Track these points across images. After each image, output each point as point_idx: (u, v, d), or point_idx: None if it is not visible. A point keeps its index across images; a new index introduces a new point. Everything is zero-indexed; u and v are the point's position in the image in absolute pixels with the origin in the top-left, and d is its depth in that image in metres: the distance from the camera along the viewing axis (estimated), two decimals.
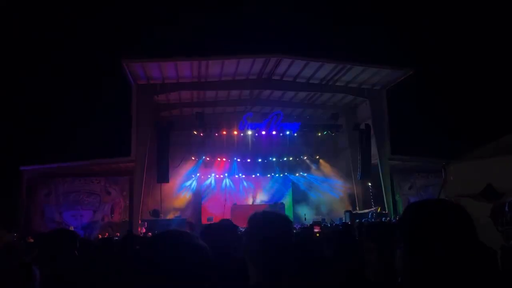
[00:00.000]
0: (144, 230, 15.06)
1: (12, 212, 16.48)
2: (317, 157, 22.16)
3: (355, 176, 20.43)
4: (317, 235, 4.71)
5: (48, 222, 17.24)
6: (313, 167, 22.21)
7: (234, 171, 21.54)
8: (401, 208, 20.30)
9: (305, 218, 19.32)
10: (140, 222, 16.24)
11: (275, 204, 20.86)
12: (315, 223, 11.02)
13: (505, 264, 2.49)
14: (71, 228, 15.14)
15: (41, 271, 1.80)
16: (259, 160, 21.36)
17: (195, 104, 20.46)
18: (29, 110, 21.40)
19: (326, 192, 21.60)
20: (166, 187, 18.46)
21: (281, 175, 22.23)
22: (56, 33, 23.96)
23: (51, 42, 23.51)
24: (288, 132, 20.00)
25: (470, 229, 0.97)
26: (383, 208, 18.85)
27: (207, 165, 20.98)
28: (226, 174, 21.58)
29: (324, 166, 22.00)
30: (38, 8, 22.85)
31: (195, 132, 19.25)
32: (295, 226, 11.85)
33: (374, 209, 18.63)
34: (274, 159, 21.61)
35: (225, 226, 2.40)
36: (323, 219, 17.44)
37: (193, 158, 20.35)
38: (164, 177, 17.71)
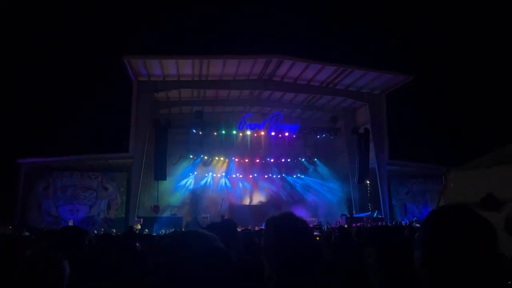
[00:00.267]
0: (139, 227, 15.03)
1: (8, 205, 16.42)
2: (315, 159, 22.18)
3: (352, 180, 20.45)
4: (317, 238, 4.71)
5: (45, 215, 17.18)
6: (311, 169, 22.23)
7: (231, 171, 21.52)
8: (397, 213, 20.38)
9: None
10: (136, 218, 16.19)
11: (271, 205, 20.89)
12: (315, 227, 11.03)
13: None
14: (70, 223, 15.12)
15: None
16: (257, 160, 21.35)
17: (194, 103, 20.44)
18: (29, 104, 21.32)
19: (323, 194, 21.62)
20: (163, 184, 18.42)
21: (279, 176, 22.21)
22: (57, 30, 23.91)
23: (53, 38, 23.45)
24: (286, 134, 20.02)
25: (494, 239, 0.98)
26: (379, 213, 18.90)
27: (205, 164, 20.95)
28: (223, 174, 21.55)
29: (322, 168, 22.02)
30: (40, 5, 22.77)
31: (194, 131, 19.22)
32: None
33: (371, 213, 18.67)
34: (272, 160, 21.61)
35: (227, 225, 2.42)
36: (320, 222, 17.46)
37: (191, 156, 20.32)
38: (161, 175, 17.66)
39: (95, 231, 14.19)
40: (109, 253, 3.01)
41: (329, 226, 15.33)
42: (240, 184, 21.85)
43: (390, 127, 19.97)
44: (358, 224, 15.05)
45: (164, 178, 17.83)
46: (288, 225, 1.51)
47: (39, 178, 17.64)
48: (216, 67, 17.61)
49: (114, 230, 13.91)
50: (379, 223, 15.43)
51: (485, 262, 0.94)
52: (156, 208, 17.54)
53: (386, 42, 26.50)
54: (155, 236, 6.46)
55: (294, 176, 22.49)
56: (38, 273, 1.70)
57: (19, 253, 2.71)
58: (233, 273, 1.09)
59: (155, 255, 1.13)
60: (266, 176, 22.05)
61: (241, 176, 21.74)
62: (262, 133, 19.71)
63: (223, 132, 19.59)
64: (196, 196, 20.50)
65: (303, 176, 22.43)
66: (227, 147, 20.26)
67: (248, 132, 19.61)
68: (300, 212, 20.67)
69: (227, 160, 21.28)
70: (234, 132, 19.54)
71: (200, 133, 19.35)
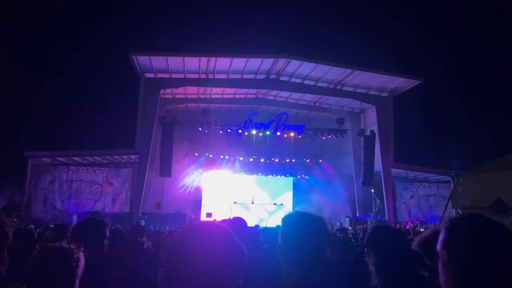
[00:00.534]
0: (143, 223, 15.07)
1: (14, 198, 16.56)
2: (320, 160, 22.13)
3: (357, 182, 20.39)
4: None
5: (50, 209, 17.31)
6: (316, 170, 22.18)
7: (236, 170, 21.52)
8: (401, 216, 20.31)
9: None
10: (140, 214, 16.26)
11: (275, 204, 20.89)
12: None
13: None
14: (74, 217, 15.21)
15: None
16: (262, 160, 21.34)
17: (201, 100, 20.47)
18: (37, 99, 21.48)
19: (327, 195, 21.55)
20: (167, 181, 18.48)
21: (283, 176, 22.19)
22: (66, 27, 24.05)
23: (62, 35, 23.60)
24: (292, 134, 19.99)
25: None
26: (383, 215, 18.84)
27: (210, 162, 20.97)
28: (228, 172, 21.54)
29: (327, 169, 21.96)
30: (50, 3, 22.94)
31: (199, 128, 19.26)
32: None
33: (374, 216, 18.61)
34: (276, 160, 21.59)
35: (238, 223, 2.43)
36: None
37: (196, 154, 20.36)
38: (166, 171, 17.73)
39: None
40: (118, 247, 3.03)
41: (332, 228, 15.28)
42: (245, 183, 21.82)
43: (396, 130, 19.91)
44: (362, 226, 15.00)
45: (169, 175, 17.90)
46: (306, 223, 1.50)
47: (45, 172, 17.77)
48: (223, 65, 17.64)
49: (119, 225, 13.96)
50: None
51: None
52: (158, 205, 17.59)
53: (395, 45, 26.40)
54: (163, 232, 6.47)
55: (299, 177, 22.45)
56: (49, 264, 1.72)
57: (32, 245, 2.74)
58: (241, 262, 1.11)
59: (170, 246, 1.13)
60: (270, 176, 22.04)
61: (245, 175, 21.73)
62: (268, 132, 19.70)
63: (229, 130, 19.60)
64: (199, 194, 20.54)
65: (307, 177, 22.39)
66: (232, 145, 20.28)
67: (254, 131, 19.61)
68: None
69: (231, 158, 21.29)
70: (240, 131, 19.55)
71: (206, 131, 19.37)
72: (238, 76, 18.94)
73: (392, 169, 19.68)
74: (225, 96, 20.71)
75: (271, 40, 27.55)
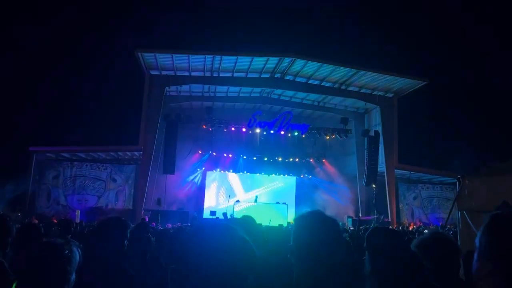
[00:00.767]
0: (147, 219, 15.11)
1: (18, 192, 16.64)
2: (324, 160, 22.10)
3: (360, 182, 20.35)
4: None
5: (53, 204, 17.40)
6: (319, 169, 22.16)
7: (239, 168, 21.53)
8: (404, 218, 20.26)
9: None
10: (143, 211, 16.30)
11: (277, 204, 20.87)
12: None
13: None
14: (77, 213, 15.29)
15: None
16: (265, 158, 21.33)
17: (205, 98, 20.49)
18: (43, 93, 21.58)
19: (330, 195, 21.53)
20: (171, 178, 18.52)
21: (286, 175, 22.17)
22: (71, 23, 24.12)
23: (67, 31, 23.67)
24: (296, 133, 19.97)
25: None
26: (385, 216, 18.80)
27: (213, 160, 20.98)
28: (231, 170, 21.57)
29: (330, 169, 21.93)
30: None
31: (203, 126, 19.27)
32: None
33: (377, 217, 18.56)
34: (280, 159, 21.58)
35: (247, 222, 2.42)
36: None
37: (199, 151, 20.38)
38: (170, 169, 17.77)
39: None
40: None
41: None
42: (248, 181, 21.84)
43: (401, 131, 19.85)
44: (364, 227, 14.96)
45: (172, 172, 17.93)
46: (318, 224, 1.50)
47: (50, 167, 17.85)
48: (228, 62, 17.64)
49: None
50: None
51: None
52: (159, 201, 17.64)
53: (400, 46, 26.30)
54: (168, 230, 6.49)
55: (302, 176, 22.43)
56: (39, 259, 1.74)
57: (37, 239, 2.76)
58: (251, 260, 1.11)
59: (183, 242, 1.14)
60: (273, 175, 22.03)
61: (248, 173, 21.75)
62: (272, 131, 19.68)
63: (233, 129, 19.61)
64: (202, 192, 20.57)
65: (310, 176, 22.37)
66: (235, 144, 20.28)
67: (258, 130, 19.60)
68: None
69: (235, 157, 21.30)
70: (244, 129, 19.54)
71: (210, 129, 19.39)
72: (242, 75, 18.93)
73: (396, 170, 19.63)
74: (229, 95, 20.71)
75: (276, 39, 27.51)
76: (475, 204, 4.68)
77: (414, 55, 25.39)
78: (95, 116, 22.17)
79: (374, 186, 19.60)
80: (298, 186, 22.41)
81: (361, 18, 29.44)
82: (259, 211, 19.74)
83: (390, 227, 15.96)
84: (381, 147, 19.39)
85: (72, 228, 4.06)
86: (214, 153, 20.74)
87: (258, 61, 17.77)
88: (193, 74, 18.36)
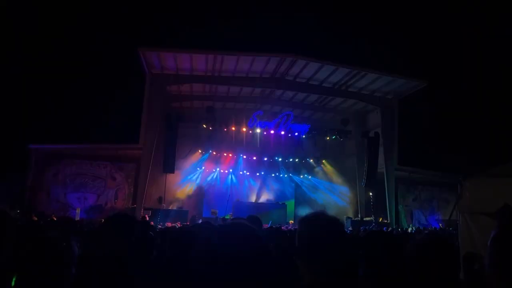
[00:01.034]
0: (147, 218, 15.11)
1: (17, 189, 16.64)
2: (323, 160, 22.13)
3: (359, 183, 20.38)
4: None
5: (53, 202, 17.39)
6: (319, 170, 22.18)
7: (239, 168, 21.55)
8: (403, 219, 20.27)
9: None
10: (143, 210, 16.30)
11: (277, 204, 20.91)
12: None
13: None
14: (78, 211, 15.29)
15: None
16: (265, 158, 21.35)
17: (206, 98, 20.49)
18: (43, 90, 21.55)
19: (329, 196, 21.57)
20: (170, 177, 18.53)
21: (286, 175, 22.20)
22: (73, 20, 24.11)
23: (68, 28, 23.66)
24: (296, 134, 19.99)
25: None
26: (385, 218, 18.82)
27: (213, 160, 20.99)
28: (230, 170, 21.58)
29: (330, 170, 21.96)
30: None
31: (204, 126, 19.27)
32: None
33: (376, 218, 18.59)
34: (280, 159, 21.60)
35: (252, 221, 2.42)
36: None
37: (199, 151, 20.38)
38: (170, 167, 17.78)
39: (102, 220, 14.30)
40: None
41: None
42: (248, 181, 21.88)
43: (401, 133, 19.85)
44: (361, 228, 14.99)
45: (172, 171, 17.94)
46: (323, 224, 1.50)
47: (49, 165, 17.84)
48: (230, 63, 17.63)
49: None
50: (384, 229, 15.35)
51: None
52: (160, 200, 17.65)
53: (402, 47, 26.32)
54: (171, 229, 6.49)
55: (301, 177, 22.46)
56: (35, 254, 1.75)
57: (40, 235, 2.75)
58: (266, 257, 1.13)
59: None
60: (273, 175, 22.06)
61: (248, 173, 21.76)
62: (272, 131, 19.70)
63: (233, 128, 19.61)
64: (202, 191, 20.57)
65: (310, 177, 22.39)
66: (236, 143, 20.28)
67: (258, 130, 19.61)
68: (305, 213, 20.64)
69: (235, 156, 21.31)
70: (244, 129, 19.55)
71: (210, 128, 19.39)
72: (244, 75, 18.91)
73: (395, 172, 19.64)
74: (230, 95, 20.71)
75: (278, 39, 27.53)
76: (476, 206, 4.69)
77: (415, 57, 25.41)
78: (96, 114, 22.16)
79: (370, 194, 19.61)
80: (298, 187, 22.45)
81: (362, 19, 29.46)
82: (259, 212, 19.79)
83: (390, 228, 15.99)
84: (381, 148, 19.40)
85: (74, 226, 4.06)
86: (214, 153, 20.75)
87: (259, 63, 17.76)
88: (195, 74, 18.35)
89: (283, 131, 19.61)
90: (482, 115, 21.92)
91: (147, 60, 17.17)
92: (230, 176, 21.60)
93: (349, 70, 18.13)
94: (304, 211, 20.84)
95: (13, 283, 1.75)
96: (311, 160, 22.12)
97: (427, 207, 20.87)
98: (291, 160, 21.79)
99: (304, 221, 1.55)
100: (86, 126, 20.77)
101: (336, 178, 21.62)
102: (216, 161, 21.09)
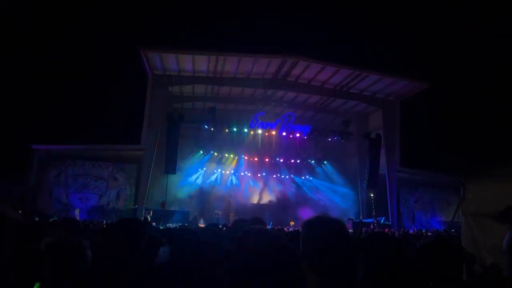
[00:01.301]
0: (149, 219, 15.12)
1: (19, 190, 16.66)
2: (325, 162, 22.12)
3: (361, 184, 20.35)
4: None
5: (55, 202, 17.42)
6: (320, 171, 22.17)
7: (240, 169, 21.56)
8: (405, 221, 20.25)
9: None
10: (144, 210, 16.31)
11: (278, 205, 20.91)
12: None
13: None
14: (77, 211, 15.29)
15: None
16: (267, 159, 21.36)
17: (207, 99, 20.51)
18: (45, 91, 21.58)
19: (331, 197, 21.55)
20: (172, 178, 18.52)
21: (287, 176, 22.20)
22: (74, 20, 24.16)
23: (70, 28, 23.70)
24: (298, 135, 19.99)
25: None
26: (386, 219, 18.79)
27: (214, 160, 21.00)
28: (232, 171, 21.59)
29: (331, 171, 21.95)
30: None
31: (205, 127, 19.29)
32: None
33: (378, 219, 18.56)
34: (281, 160, 21.60)
35: (256, 223, 2.44)
36: None
37: (201, 152, 20.39)
38: (171, 168, 17.75)
39: (104, 221, 14.31)
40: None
41: None
42: (249, 182, 21.88)
43: (402, 134, 19.84)
44: (364, 230, 14.97)
45: (174, 172, 17.92)
46: (327, 228, 1.51)
47: (51, 165, 17.87)
48: (231, 64, 17.65)
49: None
50: (386, 230, 15.34)
51: None
52: (163, 205, 17.63)
53: (403, 48, 26.31)
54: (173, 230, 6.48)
55: (303, 178, 22.45)
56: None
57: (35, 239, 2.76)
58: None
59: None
60: (274, 176, 22.06)
61: (249, 174, 21.77)
62: (273, 132, 19.71)
63: (235, 129, 19.62)
64: (203, 192, 20.57)
65: (311, 178, 22.39)
66: (237, 144, 20.30)
67: (260, 131, 19.62)
68: (309, 215, 20.61)
69: (236, 157, 21.32)
70: (246, 130, 19.57)
71: (212, 129, 19.41)
72: (245, 76, 18.93)
73: (397, 173, 19.61)
74: (231, 96, 20.72)
75: (279, 40, 27.56)
76: (479, 208, 4.69)
77: (417, 58, 25.40)
78: (98, 115, 22.18)
79: (372, 195, 19.58)
80: (299, 188, 22.44)
81: (363, 21, 29.46)
82: (260, 213, 19.78)
83: (392, 230, 15.97)
84: (382, 150, 19.39)
85: (78, 227, 4.06)
86: (216, 153, 20.76)
87: (260, 65, 17.78)
88: (197, 75, 18.38)
89: (285, 132, 19.62)
90: (484, 116, 21.90)
91: (149, 61, 17.21)
92: (231, 177, 21.61)
93: (350, 72, 18.14)
94: (305, 213, 20.82)
95: None
96: (313, 161, 22.12)
97: (428, 208, 20.83)
98: (292, 161, 21.80)
99: (308, 225, 1.56)
100: (87, 127, 20.78)
101: (338, 180, 21.60)
102: (218, 162, 21.10)
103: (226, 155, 21.09)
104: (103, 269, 1.94)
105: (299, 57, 17.41)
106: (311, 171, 22.41)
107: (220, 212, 17.81)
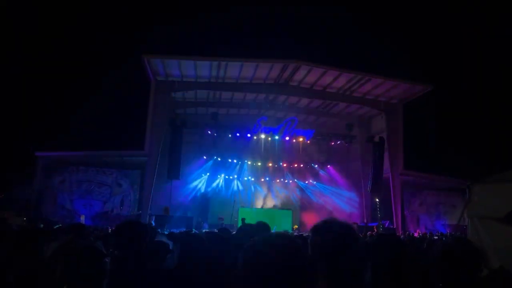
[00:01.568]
0: (153, 224, 15.11)
1: (24, 196, 16.71)
2: (328, 166, 22.08)
3: (365, 188, 20.27)
4: None
5: (59, 209, 17.47)
6: (323, 175, 22.13)
7: (243, 174, 21.54)
8: (409, 225, 20.13)
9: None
10: (148, 216, 16.31)
11: (282, 209, 20.87)
12: None
13: None
14: (82, 218, 15.32)
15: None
16: (270, 164, 21.35)
17: (210, 104, 20.57)
18: (48, 98, 21.73)
19: (335, 201, 21.48)
20: (175, 183, 18.54)
21: (291, 181, 22.17)
22: (77, 27, 24.34)
23: (72, 35, 23.87)
24: (301, 139, 19.98)
25: None
26: (391, 223, 18.70)
27: (218, 166, 21.00)
28: (235, 176, 21.58)
29: (335, 175, 21.90)
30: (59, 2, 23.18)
31: (208, 132, 19.32)
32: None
33: (383, 223, 18.47)
34: (285, 165, 21.59)
35: (262, 228, 2.44)
36: None
37: (204, 157, 20.41)
38: (175, 174, 17.77)
39: (109, 227, 14.32)
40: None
41: None
42: (253, 187, 21.86)
43: (406, 137, 19.79)
44: (369, 233, 14.90)
45: (178, 178, 17.94)
46: (335, 232, 1.51)
47: (56, 172, 17.95)
48: (233, 69, 17.72)
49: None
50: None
51: None
52: (166, 210, 17.64)
53: (406, 51, 26.33)
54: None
55: (306, 182, 22.42)
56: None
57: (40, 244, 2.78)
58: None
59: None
60: (278, 180, 22.04)
61: (253, 179, 21.76)
62: (276, 137, 19.71)
63: (237, 134, 19.64)
64: (207, 197, 20.56)
65: (315, 182, 22.34)
66: (240, 149, 20.31)
67: (263, 136, 19.63)
68: (313, 219, 20.57)
69: (239, 162, 21.33)
70: (248, 135, 19.59)
71: (215, 134, 19.44)
72: (247, 81, 18.98)
73: (401, 176, 19.53)
74: (234, 101, 20.78)
75: (281, 45, 27.65)
76: (486, 211, 4.67)
77: (420, 61, 25.39)
78: (101, 121, 22.28)
79: (377, 200, 19.48)
80: (303, 192, 22.39)
81: (365, 23, 29.53)
82: (264, 217, 19.74)
83: (397, 234, 15.87)
84: (386, 153, 19.33)
85: (84, 233, 4.08)
86: (219, 159, 20.77)
87: (262, 70, 17.83)
88: (199, 80, 18.45)
89: (288, 136, 19.62)
90: (487, 118, 21.82)
91: (151, 67, 17.30)
92: (235, 182, 21.59)
93: (353, 75, 18.15)
94: (309, 217, 20.78)
95: None
96: (316, 166, 22.09)
97: (433, 212, 20.71)
98: (295, 165, 21.78)
99: (317, 230, 1.56)
100: (91, 133, 20.89)
101: (341, 183, 21.54)
102: (221, 167, 21.10)
103: (229, 160, 21.09)
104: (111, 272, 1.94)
105: (301, 62, 17.44)
106: (315, 175, 22.36)
107: (224, 217, 17.78)
